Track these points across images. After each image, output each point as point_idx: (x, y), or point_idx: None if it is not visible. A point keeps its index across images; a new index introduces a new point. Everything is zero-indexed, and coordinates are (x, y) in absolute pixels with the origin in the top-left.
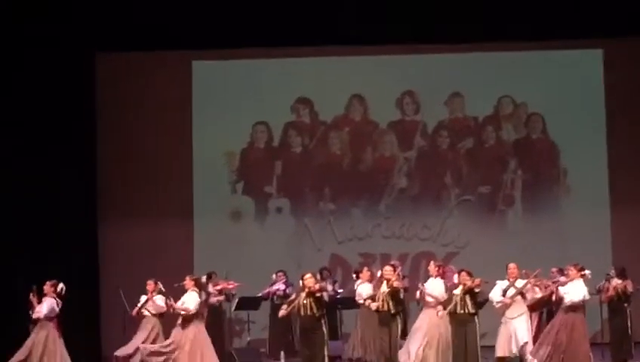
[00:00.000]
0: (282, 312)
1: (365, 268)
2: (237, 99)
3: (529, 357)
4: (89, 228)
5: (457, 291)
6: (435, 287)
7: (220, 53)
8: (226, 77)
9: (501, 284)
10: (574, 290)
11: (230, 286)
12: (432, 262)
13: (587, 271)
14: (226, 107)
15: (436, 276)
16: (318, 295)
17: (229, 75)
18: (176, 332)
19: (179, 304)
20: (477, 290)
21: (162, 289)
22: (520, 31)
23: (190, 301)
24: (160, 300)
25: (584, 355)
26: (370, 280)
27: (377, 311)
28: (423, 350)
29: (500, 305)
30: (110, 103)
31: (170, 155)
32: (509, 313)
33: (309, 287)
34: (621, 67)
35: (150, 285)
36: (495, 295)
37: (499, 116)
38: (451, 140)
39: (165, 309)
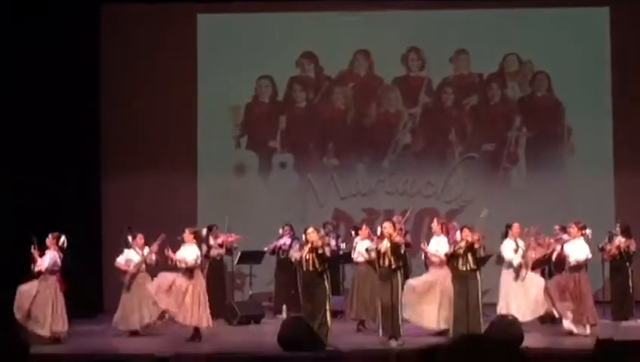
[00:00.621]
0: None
1: (364, 225)
2: (242, 52)
3: (566, 322)
4: (92, 180)
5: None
6: (439, 246)
7: (225, 6)
8: (230, 30)
9: (510, 243)
10: (576, 249)
11: (231, 239)
12: (435, 220)
13: (588, 230)
14: (231, 61)
15: (439, 234)
16: (320, 251)
17: (234, 28)
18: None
19: (178, 256)
20: (477, 246)
21: None
22: None
23: (189, 253)
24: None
25: (590, 311)
26: (369, 237)
27: (379, 266)
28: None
29: (518, 263)
30: (114, 56)
31: (175, 109)
32: (524, 272)
33: (312, 242)
34: (627, 25)
35: (141, 239)
36: (510, 254)
37: (504, 73)
38: (456, 97)
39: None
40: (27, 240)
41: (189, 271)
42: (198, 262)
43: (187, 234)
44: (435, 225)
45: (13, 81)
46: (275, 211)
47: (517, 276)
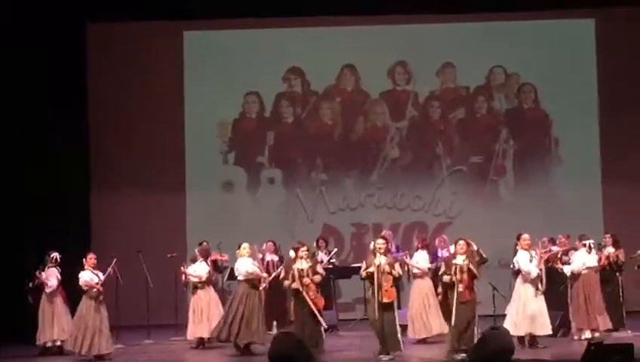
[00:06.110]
0: (287, 283)
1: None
2: (228, 69)
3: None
4: (81, 199)
5: (459, 261)
6: (419, 259)
7: (212, 23)
8: (217, 47)
9: (524, 255)
10: (575, 261)
11: (223, 258)
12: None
13: (590, 241)
14: (218, 77)
15: (418, 248)
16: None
17: (220, 45)
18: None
19: (190, 271)
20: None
21: None
22: (513, 1)
23: (201, 269)
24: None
25: (592, 319)
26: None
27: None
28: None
29: (537, 274)
30: (101, 74)
31: (162, 126)
32: (541, 285)
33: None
34: (613, 37)
35: (92, 258)
36: (527, 265)
37: (490, 86)
38: (443, 110)
39: None
40: (17, 258)
41: (203, 286)
42: (209, 276)
43: (199, 252)
44: (415, 241)
45: None
46: (264, 227)
47: (536, 288)
